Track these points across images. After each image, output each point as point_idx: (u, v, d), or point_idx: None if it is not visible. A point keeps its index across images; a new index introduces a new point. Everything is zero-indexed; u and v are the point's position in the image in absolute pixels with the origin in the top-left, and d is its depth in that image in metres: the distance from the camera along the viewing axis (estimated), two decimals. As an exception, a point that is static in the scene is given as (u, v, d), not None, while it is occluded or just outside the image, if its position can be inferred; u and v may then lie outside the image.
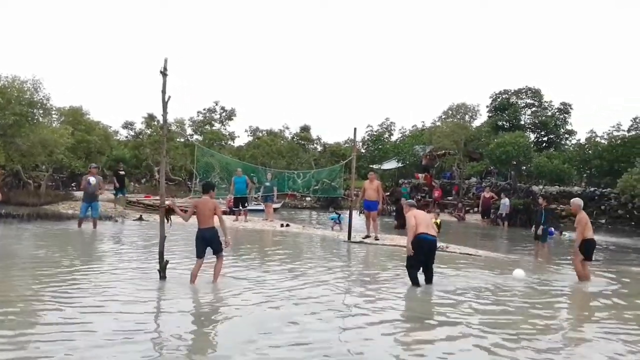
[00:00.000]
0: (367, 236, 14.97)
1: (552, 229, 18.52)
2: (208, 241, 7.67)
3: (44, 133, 19.77)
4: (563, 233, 19.57)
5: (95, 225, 14.42)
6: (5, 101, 17.27)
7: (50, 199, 22.77)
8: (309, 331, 5.67)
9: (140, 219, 17.58)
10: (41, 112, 19.61)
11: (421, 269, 8.55)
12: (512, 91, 34.61)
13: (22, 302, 6.32)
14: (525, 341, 5.65)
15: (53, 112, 23.44)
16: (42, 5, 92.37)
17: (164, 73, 7.94)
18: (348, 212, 16.05)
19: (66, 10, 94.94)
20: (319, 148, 46.20)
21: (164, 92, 7.96)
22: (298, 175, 22.68)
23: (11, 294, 6.71)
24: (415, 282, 8.39)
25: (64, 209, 18.56)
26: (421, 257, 8.45)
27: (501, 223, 22.42)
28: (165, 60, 7.96)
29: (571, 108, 34.05)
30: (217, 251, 7.80)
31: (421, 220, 8.62)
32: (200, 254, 7.72)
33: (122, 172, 20.56)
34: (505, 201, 22.75)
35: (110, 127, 41.66)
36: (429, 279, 8.57)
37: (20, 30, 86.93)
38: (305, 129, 45.98)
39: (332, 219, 19.17)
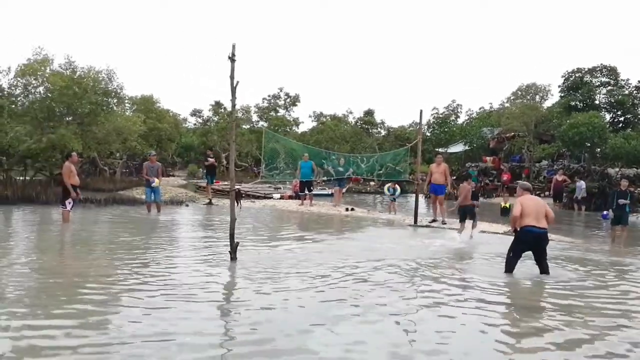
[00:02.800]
0: (434, 220, 14.78)
1: (605, 212, 17.64)
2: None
3: (118, 121, 20.61)
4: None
5: (159, 209, 14.89)
6: (81, 91, 18.05)
7: (125, 184, 23.82)
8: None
9: (210, 203, 18.05)
10: (115, 101, 20.39)
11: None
12: (586, 69, 33.08)
13: (101, 282, 6.59)
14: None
15: (126, 101, 24.41)
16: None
17: (232, 59, 8.04)
18: (414, 196, 15.86)
19: (136, 2, 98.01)
20: (383, 132, 45.93)
21: (232, 77, 8.07)
22: (362, 160, 22.55)
23: (92, 276, 7.03)
24: (508, 268, 7.78)
25: (138, 194, 19.32)
26: (525, 249, 7.80)
27: (576, 207, 21.57)
28: (233, 46, 8.07)
29: (650, 86, 32.23)
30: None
31: (530, 210, 7.70)
32: None
33: (211, 159, 20.48)
34: (581, 184, 21.86)
35: (179, 114, 42.92)
36: (543, 270, 7.76)
37: (95, 22, 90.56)
38: (369, 113, 45.79)
39: (389, 193, 18.59)
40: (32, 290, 6.10)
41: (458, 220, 12.76)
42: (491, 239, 12.13)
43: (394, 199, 17.95)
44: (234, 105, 8.47)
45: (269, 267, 7.75)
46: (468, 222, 12.43)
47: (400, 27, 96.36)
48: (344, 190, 18.87)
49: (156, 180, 14.66)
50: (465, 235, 12.05)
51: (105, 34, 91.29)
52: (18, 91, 18.46)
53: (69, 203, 11.91)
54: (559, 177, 23.47)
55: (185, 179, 39.47)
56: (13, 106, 18.28)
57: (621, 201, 12.65)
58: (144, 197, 15.69)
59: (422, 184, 17.43)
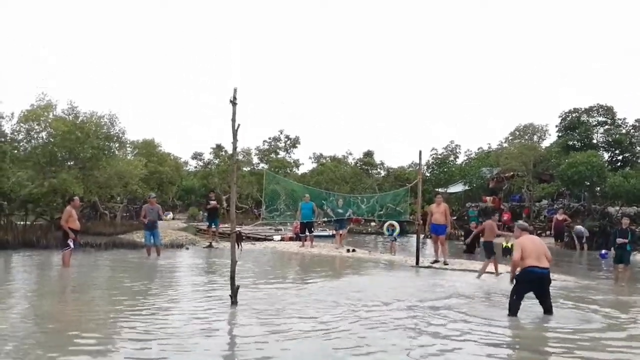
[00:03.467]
0: (436, 261, 14.70)
1: (604, 251, 17.64)
2: None
3: (119, 165, 20.70)
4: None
5: (158, 253, 14.85)
6: (84, 135, 18.20)
7: (125, 228, 23.76)
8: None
9: (210, 246, 17.98)
10: (117, 145, 20.51)
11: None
12: (583, 109, 33.48)
13: (98, 330, 6.51)
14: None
15: (128, 145, 24.55)
16: (115, 46, 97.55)
17: (233, 102, 8.18)
18: (415, 236, 15.83)
19: (138, 50, 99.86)
20: (383, 173, 46.12)
21: (233, 120, 8.19)
22: (362, 201, 22.59)
23: (89, 323, 6.96)
24: (512, 311, 7.63)
25: (138, 238, 19.27)
26: (527, 290, 7.74)
27: (578, 246, 21.46)
28: (235, 90, 8.22)
29: (647, 125, 32.58)
30: None
31: (530, 251, 7.69)
32: None
33: (213, 202, 20.38)
34: (580, 230, 21.75)
35: (180, 158, 43.15)
36: (547, 310, 7.76)
37: (99, 68, 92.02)
38: (368, 154, 46.13)
39: (388, 234, 18.60)
40: (28, 338, 6.03)
41: (485, 257, 12.79)
42: (493, 279, 12.05)
43: (395, 238, 17.90)
44: (235, 148, 8.57)
45: (270, 311, 7.67)
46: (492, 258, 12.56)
47: (398, 70, 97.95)
48: (344, 232, 18.70)
49: (170, 214, 14.66)
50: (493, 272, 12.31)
51: (108, 80, 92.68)
52: (21, 136, 18.61)
53: (71, 242, 11.90)
54: (560, 217, 23.42)
55: (186, 222, 39.41)
56: (15, 151, 18.41)
57: (619, 240, 12.63)
58: (143, 240, 15.66)
59: (422, 225, 17.35)
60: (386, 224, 18.72)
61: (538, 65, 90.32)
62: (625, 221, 13.19)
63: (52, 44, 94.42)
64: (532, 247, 7.78)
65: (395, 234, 18.04)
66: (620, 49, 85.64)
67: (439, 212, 14.88)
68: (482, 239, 13.43)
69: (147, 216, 14.94)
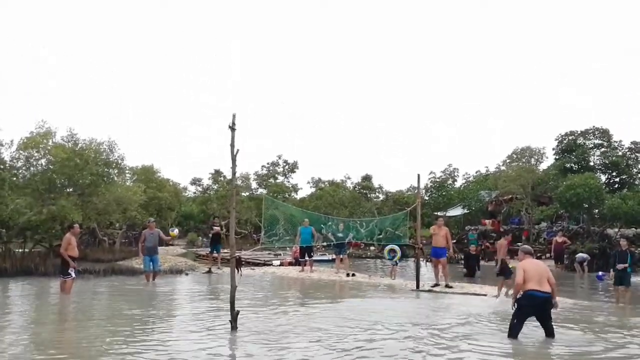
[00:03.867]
0: (437, 284, 14.63)
1: (601, 273, 17.71)
2: None
3: (118, 191, 20.75)
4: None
5: (154, 278, 14.84)
6: (83, 162, 18.27)
7: (124, 254, 23.75)
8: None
9: (209, 272, 17.90)
10: (116, 171, 20.58)
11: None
12: (579, 132, 33.70)
13: (93, 357, 6.46)
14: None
15: (127, 171, 24.62)
16: (112, 74, 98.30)
17: (232, 128, 8.25)
18: (415, 260, 15.77)
19: (136, 75, 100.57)
20: (381, 197, 46.16)
21: (232, 145, 8.25)
22: (361, 225, 22.54)
23: (89, 351, 6.91)
24: (512, 333, 7.61)
25: (137, 264, 19.20)
26: (529, 314, 7.71)
27: (578, 268, 21.39)
28: (234, 116, 8.30)
29: (643, 147, 32.78)
30: None
31: (532, 274, 7.67)
32: None
33: (216, 227, 20.30)
34: (582, 257, 21.66)
35: (179, 183, 43.21)
36: (549, 333, 7.71)
37: (98, 96, 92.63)
38: (366, 178, 46.26)
39: (389, 258, 18.55)
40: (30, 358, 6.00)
41: (503, 278, 12.98)
42: (494, 301, 12.00)
43: (396, 263, 17.77)
44: (234, 173, 8.61)
45: (270, 336, 7.63)
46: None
47: (393, 93, 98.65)
48: (344, 256, 18.56)
49: (176, 230, 14.70)
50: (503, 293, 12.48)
51: (107, 107, 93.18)
52: (20, 163, 18.65)
53: (72, 270, 11.86)
54: (559, 239, 23.39)
55: (185, 248, 39.27)
56: (14, 178, 18.44)
57: (620, 266, 12.60)
58: (142, 266, 15.61)
59: (422, 249, 17.31)
60: (387, 249, 18.63)
61: (538, 65, 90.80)
62: (623, 243, 13.17)
63: (52, 44, 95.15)
64: (535, 271, 7.76)
65: (396, 258, 17.94)
66: (620, 49, 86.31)
67: (439, 234, 14.86)
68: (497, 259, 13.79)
69: (147, 241, 14.94)
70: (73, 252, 12.07)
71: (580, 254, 21.71)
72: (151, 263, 14.93)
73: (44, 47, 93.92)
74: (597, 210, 27.59)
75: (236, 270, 8.44)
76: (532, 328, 7.97)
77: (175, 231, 14.44)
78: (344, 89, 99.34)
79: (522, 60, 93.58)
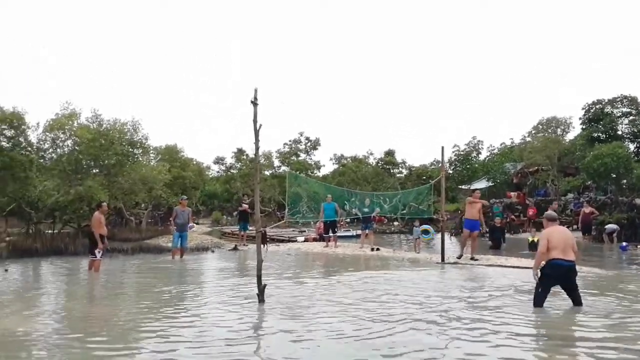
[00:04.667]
0: (461, 256, 14.57)
1: (624, 244, 17.49)
2: None
3: (143, 171, 20.96)
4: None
5: (182, 255, 15.05)
6: (108, 142, 18.48)
7: (151, 233, 24.12)
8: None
9: (235, 248, 18.09)
10: (140, 151, 20.78)
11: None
12: (606, 100, 32.97)
13: (128, 334, 6.56)
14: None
15: (151, 151, 24.84)
16: (137, 53, 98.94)
17: (254, 103, 8.22)
18: (440, 233, 15.68)
19: (159, 56, 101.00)
20: (405, 171, 45.87)
21: (255, 121, 8.23)
22: (384, 200, 22.42)
23: (119, 326, 7.03)
24: (537, 302, 7.52)
25: (164, 242, 19.49)
26: (553, 283, 7.57)
27: (606, 239, 21.08)
28: (256, 90, 8.27)
29: (674, 114, 31.96)
30: None
31: (557, 242, 7.46)
32: None
33: (245, 204, 20.46)
34: (612, 227, 21.30)
35: (203, 163, 43.51)
36: (577, 302, 7.58)
37: (122, 76, 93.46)
38: (389, 153, 45.91)
39: (417, 233, 18.51)
40: (60, 339, 6.12)
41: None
42: (521, 273, 11.90)
43: (432, 237, 17.64)
44: (257, 148, 8.58)
45: (297, 308, 7.68)
46: None
47: (417, 66, 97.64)
48: (370, 232, 18.52)
49: (194, 226, 14.76)
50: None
51: (131, 87, 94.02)
52: (46, 145, 18.96)
53: (99, 252, 12.06)
54: (587, 210, 23.03)
55: (210, 226, 39.69)
56: (42, 160, 18.76)
57: None
58: (169, 245, 15.81)
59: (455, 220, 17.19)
60: (421, 229, 18.52)
61: (538, 65, 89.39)
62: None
63: (52, 44, 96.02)
64: (560, 239, 7.53)
65: (431, 235, 17.84)
66: (620, 49, 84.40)
67: (476, 208, 14.67)
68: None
69: (178, 218, 15.15)
70: (102, 230, 12.27)
71: (610, 225, 21.38)
72: (180, 239, 15.14)
73: (44, 47, 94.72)
74: (625, 180, 27.09)
75: (262, 245, 8.48)
76: (564, 297, 7.89)
77: (193, 228, 14.71)
78: (368, 64, 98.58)
79: (522, 61, 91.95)
